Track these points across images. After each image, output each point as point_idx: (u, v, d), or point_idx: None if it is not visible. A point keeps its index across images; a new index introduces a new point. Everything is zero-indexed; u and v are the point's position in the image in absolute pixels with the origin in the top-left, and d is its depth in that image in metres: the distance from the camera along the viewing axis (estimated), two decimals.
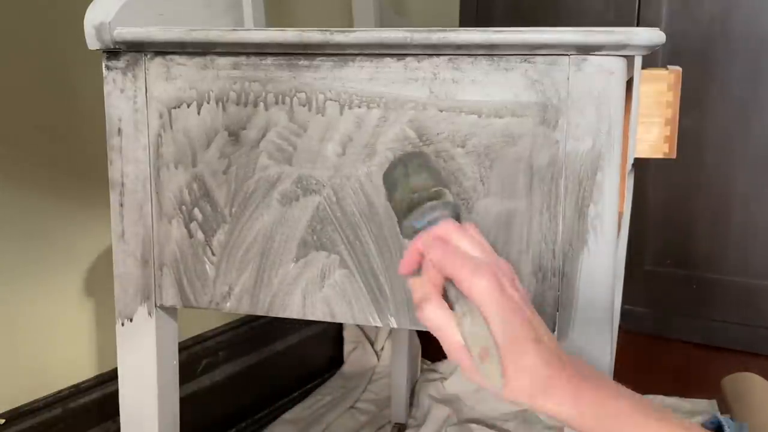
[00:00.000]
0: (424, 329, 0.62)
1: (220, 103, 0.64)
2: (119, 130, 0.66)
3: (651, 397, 1.52)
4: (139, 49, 0.64)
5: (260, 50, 0.62)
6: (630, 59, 0.58)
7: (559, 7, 1.67)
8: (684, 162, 1.49)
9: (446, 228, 0.49)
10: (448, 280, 0.48)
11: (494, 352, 0.46)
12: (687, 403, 1.50)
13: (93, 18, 0.64)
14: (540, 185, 0.58)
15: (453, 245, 0.48)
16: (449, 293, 0.48)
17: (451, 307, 0.48)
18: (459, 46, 0.57)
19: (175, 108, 0.65)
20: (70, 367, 1.07)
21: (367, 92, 0.60)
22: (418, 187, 0.51)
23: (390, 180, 0.53)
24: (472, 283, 0.46)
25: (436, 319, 0.47)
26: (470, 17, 1.78)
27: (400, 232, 0.52)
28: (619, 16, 1.60)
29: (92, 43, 0.64)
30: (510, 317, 0.46)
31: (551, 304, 0.59)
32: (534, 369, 0.45)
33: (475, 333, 0.46)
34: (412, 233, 0.50)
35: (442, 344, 0.48)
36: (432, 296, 0.48)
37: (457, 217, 0.51)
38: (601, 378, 0.48)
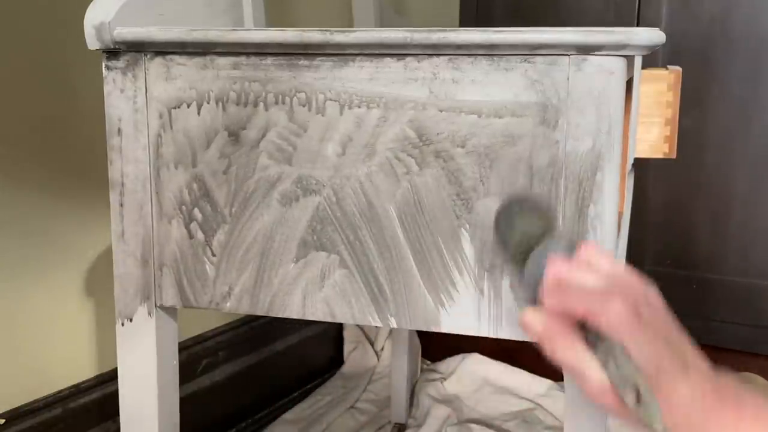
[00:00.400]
0: (424, 329, 0.63)
1: (220, 103, 0.64)
2: (119, 130, 0.66)
3: None
4: (139, 49, 0.64)
5: (260, 50, 0.62)
6: (630, 59, 0.58)
7: (559, 7, 1.67)
8: (684, 162, 1.49)
9: (557, 270, 0.45)
10: (582, 323, 0.44)
11: (649, 394, 0.41)
12: None
13: (93, 18, 0.64)
14: (540, 185, 0.58)
15: (572, 285, 0.44)
16: (588, 336, 0.44)
17: (593, 350, 0.43)
18: (459, 46, 0.57)
19: (175, 108, 0.65)
20: (70, 367, 1.07)
21: (367, 92, 0.60)
22: (521, 236, 0.49)
23: (499, 239, 0.52)
24: (606, 317, 0.42)
25: (573, 359, 0.43)
26: (470, 17, 1.78)
27: (525, 289, 0.49)
28: (619, 16, 1.60)
29: (92, 43, 0.64)
30: (653, 346, 0.41)
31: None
32: (689, 402, 0.40)
33: (625, 375, 0.42)
34: (534, 285, 0.47)
35: (581, 386, 0.43)
36: (562, 334, 0.43)
37: (572, 247, 0.47)
38: (758, 399, 0.43)
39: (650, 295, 0.45)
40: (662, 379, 0.41)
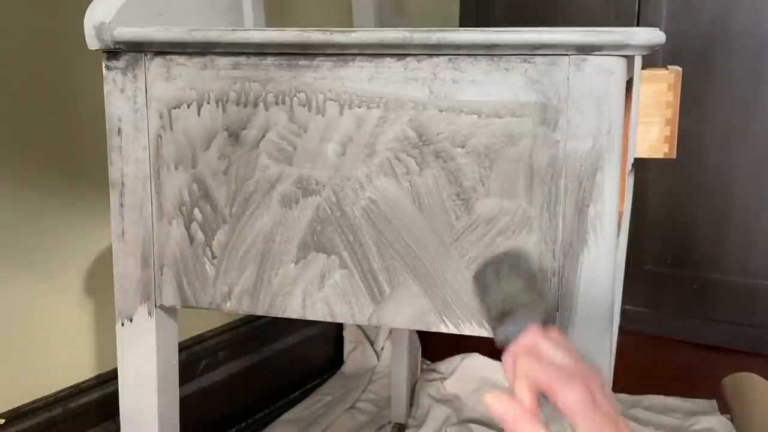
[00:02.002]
0: (424, 329, 0.63)
1: (220, 104, 0.64)
2: (119, 130, 0.66)
3: (651, 397, 1.53)
4: (139, 49, 0.64)
5: (260, 50, 0.62)
6: (630, 59, 0.58)
7: (559, 7, 1.67)
8: (684, 162, 1.49)
9: (533, 337, 0.49)
10: (542, 394, 0.47)
11: None
12: (687, 403, 1.50)
13: (93, 18, 0.64)
14: (540, 185, 0.58)
15: (543, 355, 0.48)
16: (543, 410, 0.47)
17: (549, 424, 0.47)
18: (459, 46, 0.57)
19: (175, 108, 0.65)
20: (70, 367, 1.07)
21: (367, 92, 0.60)
22: (509, 293, 0.51)
23: (481, 284, 0.54)
24: (565, 397, 0.45)
25: None
26: (470, 17, 1.78)
27: (494, 339, 0.52)
28: (619, 16, 1.60)
29: (92, 43, 0.64)
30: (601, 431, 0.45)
31: (551, 304, 0.59)
32: None
33: None
34: (505, 342, 0.50)
35: None
36: (522, 418, 0.46)
37: (549, 319, 0.51)
38: None
39: (604, 385, 0.48)
40: None
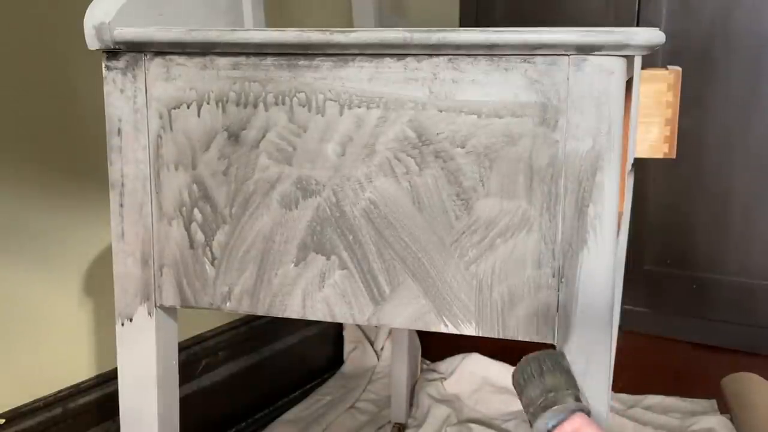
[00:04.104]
0: (424, 329, 0.63)
1: (220, 104, 0.64)
2: (119, 130, 0.66)
3: (651, 397, 1.53)
4: (139, 49, 0.64)
5: (260, 50, 0.62)
6: (630, 59, 0.58)
7: (559, 7, 1.67)
8: (684, 162, 1.49)
9: (581, 422, 0.51)
10: None
11: None
12: (687, 403, 1.50)
13: (93, 18, 0.64)
14: (540, 185, 0.58)
15: None
16: None
17: None
18: (459, 46, 0.57)
19: (175, 108, 0.65)
20: (70, 367, 1.07)
21: (367, 92, 0.60)
22: (553, 386, 0.54)
23: (524, 376, 0.56)
24: None
25: None
26: (470, 17, 1.78)
27: (530, 427, 0.54)
28: (618, 16, 1.60)
29: (92, 43, 0.64)
30: None
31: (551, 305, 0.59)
32: None
33: None
34: (545, 431, 0.53)
35: None
36: None
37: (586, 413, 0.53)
38: None
39: None
40: None
